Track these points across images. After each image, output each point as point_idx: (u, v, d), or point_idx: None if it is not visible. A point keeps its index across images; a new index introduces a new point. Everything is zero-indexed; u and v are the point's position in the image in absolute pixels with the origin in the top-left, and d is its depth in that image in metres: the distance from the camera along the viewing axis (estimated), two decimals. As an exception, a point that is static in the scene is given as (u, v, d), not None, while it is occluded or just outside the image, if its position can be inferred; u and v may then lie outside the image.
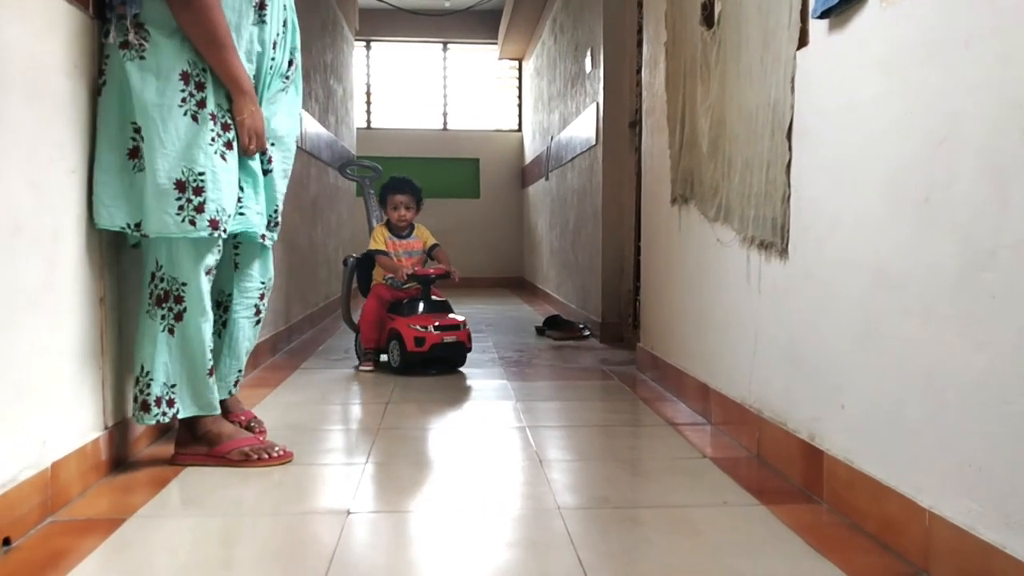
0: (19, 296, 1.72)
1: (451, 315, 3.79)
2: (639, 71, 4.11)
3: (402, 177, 3.96)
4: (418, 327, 3.64)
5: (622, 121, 4.64)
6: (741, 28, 2.44)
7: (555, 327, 5.11)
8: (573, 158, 5.76)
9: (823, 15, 1.90)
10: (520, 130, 9.59)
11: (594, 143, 4.92)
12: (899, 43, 1.64)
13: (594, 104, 4.90)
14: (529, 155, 8.74)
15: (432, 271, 3.78)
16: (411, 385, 3.41)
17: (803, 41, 2.06)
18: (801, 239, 2.07)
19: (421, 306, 3.76)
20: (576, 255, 5.71)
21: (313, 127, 5.34)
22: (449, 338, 3.66)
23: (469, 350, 3.78)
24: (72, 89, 1.97)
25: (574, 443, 2.49)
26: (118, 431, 2.20)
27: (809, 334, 2.03)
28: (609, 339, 4.69)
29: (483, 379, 3.58)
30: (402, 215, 3.89)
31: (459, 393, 3.28)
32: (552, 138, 6.85)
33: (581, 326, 5.08)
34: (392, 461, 2.28)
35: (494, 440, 2.54)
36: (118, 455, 2.20)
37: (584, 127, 5.25)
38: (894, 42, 1.66)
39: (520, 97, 9.59)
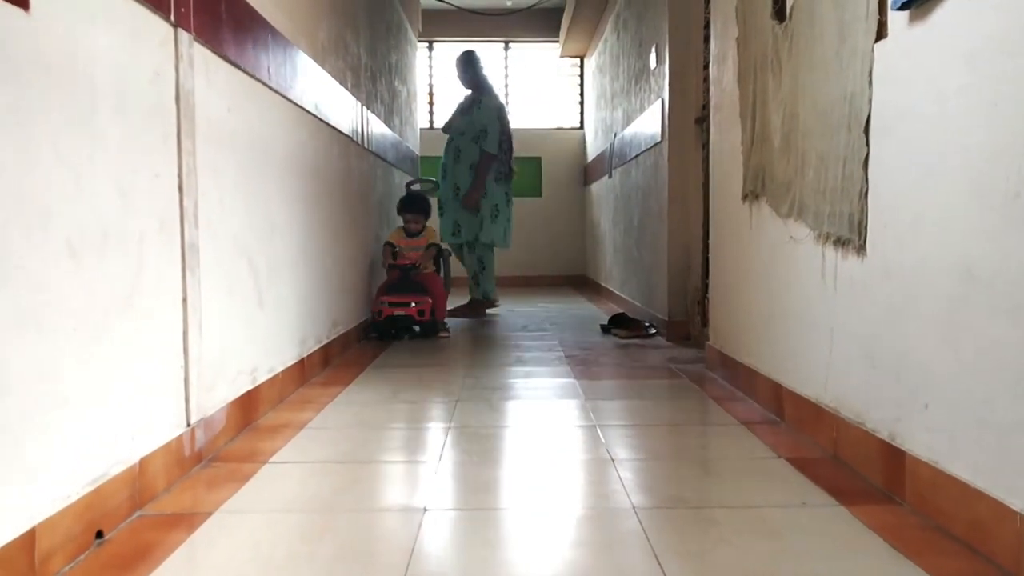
0: (110, 299, 1.78)
1: (412, 296, 4.84)
2: (706, 67, 4.07)
3: (414, 196, 5.37)
4: (379, 301, 4.86)
5: (688, 117, 4.60)
6: (815, 21, 2.40)
7: (621, 325, 5.09)
8: (637, 155, 5.73)
9: (903, 7, 1.86)
10: (582, 127, 9.57)
11: (659, 140, 4.89)
12: (986, 33, 1.60)
13: (659, 101, 4.87)
14: (591, 153, 8.72)
15: (407, 262, 5.05)
16: (480, 384, 3.43)
17: (881, 33, 2.02)
18: (880, 236, 2.03)
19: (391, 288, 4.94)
20: (641, 252, 5.68)
21: (379, 128, 5.40)
22: (399, 312, 4.81)
23: (427, 322, 4.86)
24: (155, 96, 2.03)
25: (644, 442, 2.48)
26: (200, 428, 2.25)
27: (888, 333, 1.99)
28: (676, 337, 4.66)
29: (550, 377, 3.58)
30: (410, 225, 5.26)
31: (527, 392, 3.29)
32: (615, 135, 6.82)
33: (647, 324, 5.06)
34: (464, 459, 2.30)
35: (564, 438, 2.55)
36: (201, 451, 2.26)
37: (649, 124, 5.21)
38: (980, 32, 1.62)
39: (582, 95, 9.57)
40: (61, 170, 1.61)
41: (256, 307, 2.82)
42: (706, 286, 4.06)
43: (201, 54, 2.31)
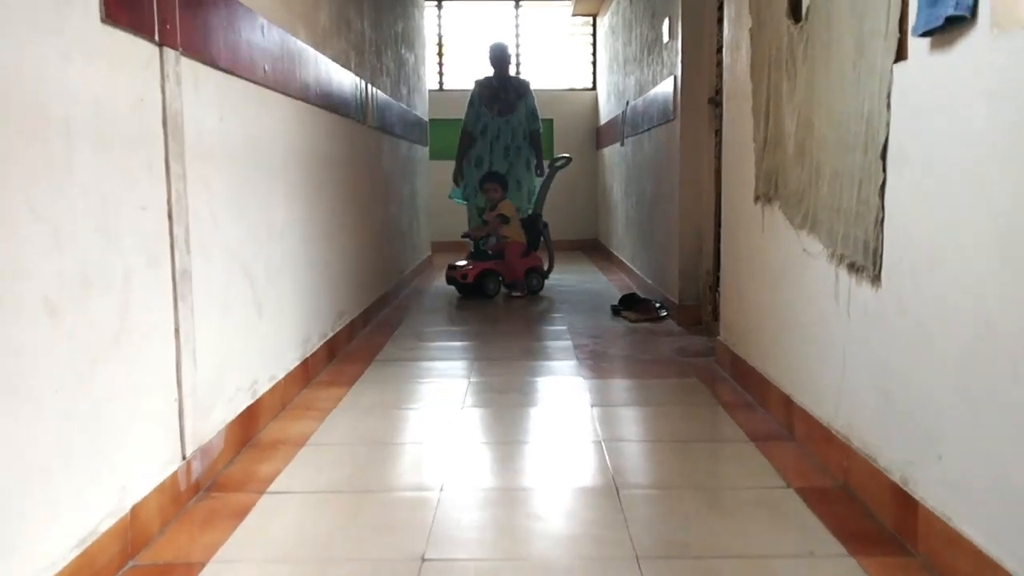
0: (93, 347, 1.72)
1: (471, 265, 5.81)
2: (719, 51, 3.93)
3: (493, 172, 6.27)
4: (451, 265, 5.92)
5: (701, 97, 4.47)
6: (831, 27, 2.28)
7: (631, 307, 5.01)
8: (650, 128, 5.60)
9: (925, 34, 1.75)
10: (595, 88, 9.38)
11: (671, 118, 4.76)
12: (1011, 76, 1.49)
13: (672, 77, 4.73)
14: (604, 116, 8.56)
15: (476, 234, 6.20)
16: (486, 385, 3.37)
17: (901, 54, 1.90)
18: (895, 268, 1.94)
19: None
20: (652, 230, 5.57)
21: (385, 102, 5.29)
22: (451, 274, 5.84)
23: (469, 284, 5.75)
24: (140, 122, 1.95)
25: (652, 464, 2.43)
26: (197, 458, 2.21)
27: (903, 372, 1.91)
28: (686, 322, 4.59)
29: (559, 375, 3.53)
30: (491, 195, 6.05)
31: (535, 395, 3.23)
32: (628, 103, 6.67)
33: (657, 305, 4.98)
34: (463, 495, 2.24)
35: (571, 460, 2.49)
36: (198, 481, 2.22)
37: (661, 99, 5.08)
38: (1006, 74, 1.51)
39: (594, 55, 9.37)
40: (36, 225, 1.53)
41: (255, 316, 2.77)
42: (717, 276, 3.97)
43: (190, 68, 2.22)
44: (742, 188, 3.20)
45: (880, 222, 2.00)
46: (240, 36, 2.60)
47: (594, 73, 9.40)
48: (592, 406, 3.02)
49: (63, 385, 1.61)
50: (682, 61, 4.49)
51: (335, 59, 3.95)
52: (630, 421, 2.86)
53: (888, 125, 1.95)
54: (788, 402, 2.67)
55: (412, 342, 4.24)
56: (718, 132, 3.97)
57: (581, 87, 9.47)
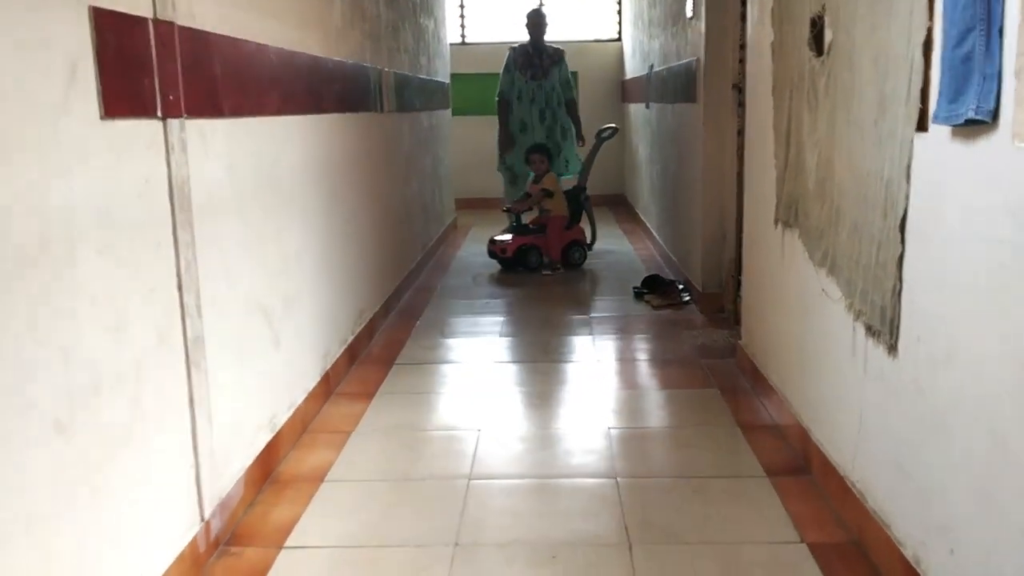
0: (106, 446, 1.74)
1: (510, 238, 5.86)
2: (742, 47, 3.81)
3: (539, 144, 6.23)
4: (492, 239, 6.00)
5: (724, 82, 4.35)
6: (855, 72, 2.20)
7: (653, 289, 4.98)
8: (673, 103, 5.48)
9: (945, 121, 1.68)
10: (620, 39, 9.17)
11: (694, 100, 4.64)
12: (1034, 193, 1.44)
13: (695, 60, 4.60)
14: (630, 71, 8.38)
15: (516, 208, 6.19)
16: (504, 398, 3.39)
17: (922, 125, 1.83)
18: (913, 346, 1.90)
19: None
20: (676, 207, 5.49)
21: (403, 81, 5.20)
22: (498, 251, 5.88)
23: (507, 258, 5.83)
24: (145, 205, 1.93)
25: (666, 510, 2.43)
26: (216, 516, 2.25)
27: (919, 453, 1.89)
28: (709, 310, 4.55)
29: (577, 382, 3.53)
30: (536, 167, 6.01)
31: (556, 415, 3.24)
32: (652, 67, 6.52)
33: (680, 287, 4.95)
34: (479, 547, 2.27)
35: (585, 504, 2.50)
36: (218, 537, 2.26)
37: (684, 78, 4.95)
38: (1028, 189, 1.45)
39: (619, 4, 9.13)
40: (42, 351, 1.54)
41: (272, 350, 2.78)
42: (740, 265, 3.92)
43: (196, 129, 2.20)
44: (763, 205, 3.13)
45: (898, 292, 1.95)
46: (247, 75, 2.56)
47: (619, 24, 9.17)
48: (610, 427, 3.02)
49: (73, 497, 1.64)
50: (705, 46, 4.36)
51: (349, 56, 3.88)
52: (648, 451, 2.86)
53: (907, 198, 1.89)
54: (805, 435, 2.66)
55: (433, 338, 4.25)
56: (740, 117, 3.87)
57: (607, 38, 9.26)
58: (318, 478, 2.67)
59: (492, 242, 5.94)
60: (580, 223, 6.06)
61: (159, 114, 1.99)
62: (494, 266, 5.97)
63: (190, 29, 2.15)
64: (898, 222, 1.93)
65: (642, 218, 7.47)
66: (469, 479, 2.65)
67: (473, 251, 6.69)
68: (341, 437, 3.00)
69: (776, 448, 2.81)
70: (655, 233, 6.56)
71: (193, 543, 2.12)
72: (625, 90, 8.76)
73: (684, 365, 3.71)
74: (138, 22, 1.89)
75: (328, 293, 3.48)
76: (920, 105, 1.83)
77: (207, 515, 2.20)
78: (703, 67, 4.43)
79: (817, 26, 2.51)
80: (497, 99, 6.66)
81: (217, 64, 2.33)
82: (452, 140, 7.80)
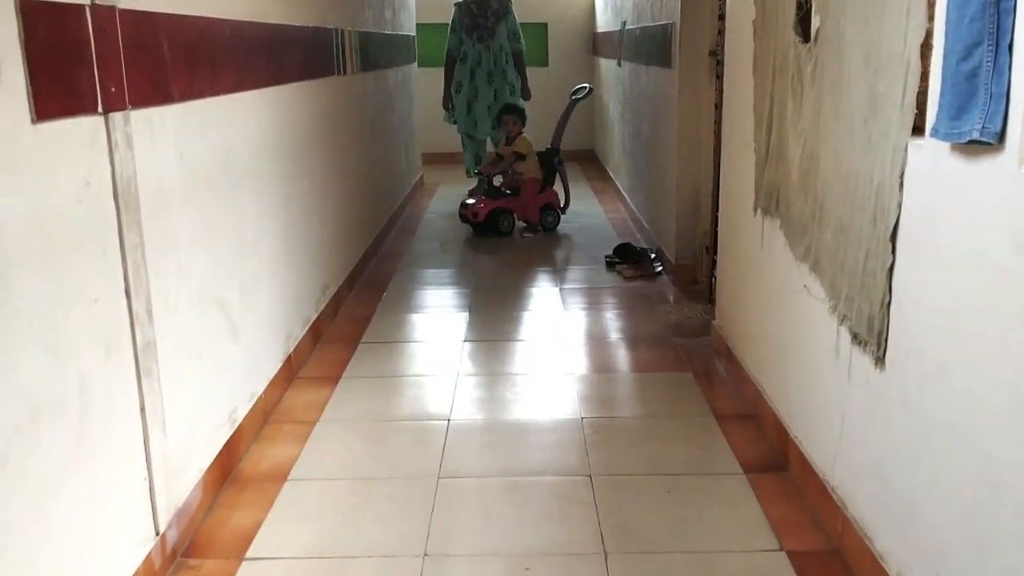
0: (49, 475, 1.62)
1: (482, 203, 5.66)
2: (721, 17, 3.67)
3: (511, 104, 6.17)
4: (463, 202, 5.88)
5: (701, 48, 4.21)
6: (844, 65, 2.09)
7: (625, 258, 4.89)
8: (647, 64, 5.33)
9: (945, 138, 1.57)
10: (591, -10, 8.94)
11: (669, 65, 4.50)
12: (1042, 224, 1.34)
13: (670, 24, 4.45)
14: (601, 23, 8.18)
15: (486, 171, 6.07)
16: (474, 380, 3.30)
17: (918, 131, 1.73)
18: (901, 360, 1.83)
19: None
20: (649, 173, 5.37)
21: (365, 40, 5.00)
22: (470, 215, 5.68)
23: (480, 223, 5.64)
24: (87, 210, 1.79)
25: (641, 512, 2.36)
26: (172, 526, 2.15)
27: (903, 469, 1.82)
28: (682, 282, 4.46)
29: (549, 364, 3.44)
30: (509, 128, 5.89)
31: (527, 403, 3.16)
32: (624, 24, 6.35)
33: (652, 255, 4.86)
34: (449, 558, 2.20)
35: (559, 507, 2.43)
36: (175, 549, 2.16)
37: (659, 41, 4.80)
38: (1035, 218, 1.36)
39: (591, -47, 8.88)
40: (-29, 386, 1.41)
41: (231, 343, 2.66)
42: (715, 238, 3.83)
43: (143, 119, 2.04)
44: (741, 187, 3.03)
45: (887, 305, 1.87)
46: (198, 54, 2.39)
47: (590, -26, 8.93)
48: (583, 418, 2.94)
49: (13, 536, 1.52)
50: (682, 11, 4.22)
51: (310, 20, 3.69)
52: (621, 442, 2.79)
53: (900, 207, 1.80)
54: (783, 430, 2.60)
55: (400, 313, 4.13)
56: (720, 95, 3.74)
57: (577, -12, 9.03)
58: (280, 477, 2.57)
59: (464, 206, 5.80)
60: (553, 186, 5.94)
61: (100, 109, 1.83)
62: (462, 229, 5.84)
63: (133, 12, 1.98)
64: (889, 231, 1.84)
65: (612, 177, 7.35)
66: (438, 478, 2.56)
67: (440, 211, 6.55)
68: (304, 428, 2.89)
69: (752, 441, 2.75)
70: (626, 195, 6.45)
71: (148, 560, 2.02)
72: (596, 43, 8.57)
73: (658, 345, 3.63)
74: (73, 10, 1.73)
75: (290, 273, 3.34)
76: (915, 111, 1.73)
77: (163, 527, 2.10)
78: (678, 32, 4.28)
79: (803, 9, 2.39)
80: (445, 56, 6.67)
81: (165, 46, 2.16)
82: (418, 93, 7.60)
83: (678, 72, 4.31)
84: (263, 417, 2.92)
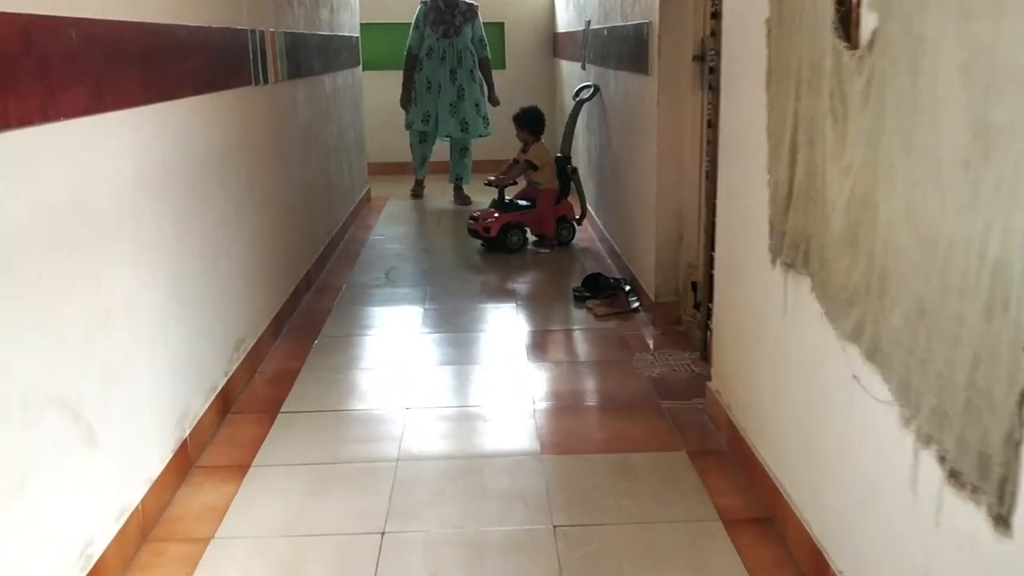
0: None
1: (495, 215, 5.19)
2: (715, 16, 3.05)
3: (518, 112, 5.58)
4: (473, 215, 5.38)
5: (684, 52, 3.60)
6: (921, 78, 1.47)
7: (596, 291, 4.26)
8: (616, 69, 4.70)
9: None
10: (550, -12, 8.31)
11: (646, 72, 3.88)
12: None
13: (646, 23, 3.83)
14: (563, 23, 7.55)
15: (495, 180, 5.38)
16: (416, 464, 2.65)
17: (1076, 188, 1.12)
18: (1044, 533, 1.21)
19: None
20: (621, 193, 4.73)
21: (293, 43, 4.32)
22: (481, 229, 5.19)
23: (492, 238, 5.16)
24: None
25: None
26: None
27: None
28: (663, 322, 3.85)
29: (513, 448, 2.80)
30: (518, 136, 5.52)
31: (482, 508, 2.51)
32: (588, 23, 5.73)
33: (627, 288, 4.24)
34: None
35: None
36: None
37: (632, 43, 4.18)
38: None
39: (549, -53, 8.25)
40: None
41: (85, 453, 1.99)
42: (709, 271, 3.23)
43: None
44: (747, 227, 2.42)
45: (1016, 443, 1.25)
46: (20, 65, 1.72)
47: (550, -31, 8.31)
48: (555, 527, 2.30)
49: None
50: (661, 7, 3.60)
51: (214, 19, 3.02)
52: (607, 566, 2.15)
53: (1043, 303, 1.18)
54: (818, 554, 1.98)
55: (330, 370, 3.45)
56: (712, 90, 3.13)
57: (535, -15, 8.40)
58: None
59: (474, 219, 5.30)
60: (568, 197, 5.48)
61: None
62: (408, 254, 5.20)
63: None
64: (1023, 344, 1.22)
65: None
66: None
67: (387, 232, 5.89)
68: (195, 549, 2.22)
69: (776, 562, 2.13)
70: (593, 213, 5.81)
71: None
72: (557, 44, 7.94)
73: (641, 410, 3.01)
74: None
75: (185, 335, 2.67)
76: (1074, 156, 1.11)
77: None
78: (656, 33, 3.66)
79: (845, 4, 1.77)
80: (405, 54, 6.58)
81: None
82: (363, 99, 6.92)
83: (657, 81, 3.69)
84: (141, 535, 2.25)
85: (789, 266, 2.11)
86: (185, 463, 2.60)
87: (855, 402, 1.78)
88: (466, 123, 6.67)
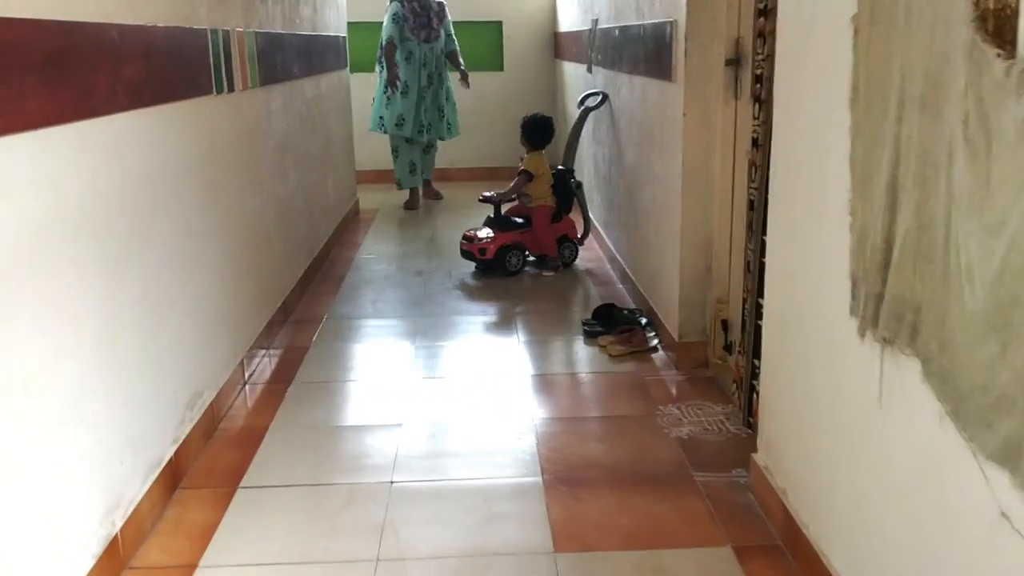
0: None
1: (492, 236, 4.67)
2: (763, 13, 2.56)
3: (526, 118, 5.00)
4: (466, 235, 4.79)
5: (715, 54, 3.10)
6: None
7: (609, 324, 3.76)
8: (631, 74, 4.21)
9: None
10: (551, -15, 7.82)
11: (669, 78, 3.38)
12: None
13: (670, 22, 3.33)
14: (565, 22, 7.05)
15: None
16: (396, 548, 2.14)
17: None
18: None
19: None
20: (636, 213, 4.22)
21: (267, 45, 3.81)
22: (476, 251, 4.66)
23: (488, 260, 4.64)
24: None
25: None
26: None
27: None
28: (688, 364, 3.35)
29: (514, 548, 2.29)
30: (522, 143, 4.97)
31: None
32: (595, 22, 5.23)
33: (644, 322, 3.74)
34: None
35: None
36: None
37: (651, 46, 3.68)
38: None
39: (550, -59, 7.76)
40: None
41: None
42: (745, 309, 2.73)
43: None
44: (811, 278, 1.92)
45: None
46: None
47: (551, -36, 7.82)
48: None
49: None
50: (688, 4, 3.10)
51: (161, 16, 2.51)
52: None
53: None
54: None
55: (304, 426, 2.95)
56: (763, 126, 2.64)
57: (535, -18, 7.90)
58: None
59: (467, 239, 4.76)
60: (570, 213, 4.99)
61: None
62: (398, 277, 4.70)
63: None
64: None
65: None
66: None
67: (377, 250, 5.38)
68: None
69: None
70: (601, 230, 5.31)
71: None
72: (559, 44, 7.45)
73: (671, 487, 2.50)
74: None
75: (120, 404, 2.17)
76: None
77: None
78: (682, 34, 3.17)
79: (993, -6, 1.27)
80: (384, 43, 6.24)
81: None
82: (352, 104, 6.43)
83: (683, 87, 3.19)
84: None
85: (888, 341, 1.61)
86: (115, 566, 2.10)
87: (1004, 546, 1.28)
88: (450, 124, 6.63)
